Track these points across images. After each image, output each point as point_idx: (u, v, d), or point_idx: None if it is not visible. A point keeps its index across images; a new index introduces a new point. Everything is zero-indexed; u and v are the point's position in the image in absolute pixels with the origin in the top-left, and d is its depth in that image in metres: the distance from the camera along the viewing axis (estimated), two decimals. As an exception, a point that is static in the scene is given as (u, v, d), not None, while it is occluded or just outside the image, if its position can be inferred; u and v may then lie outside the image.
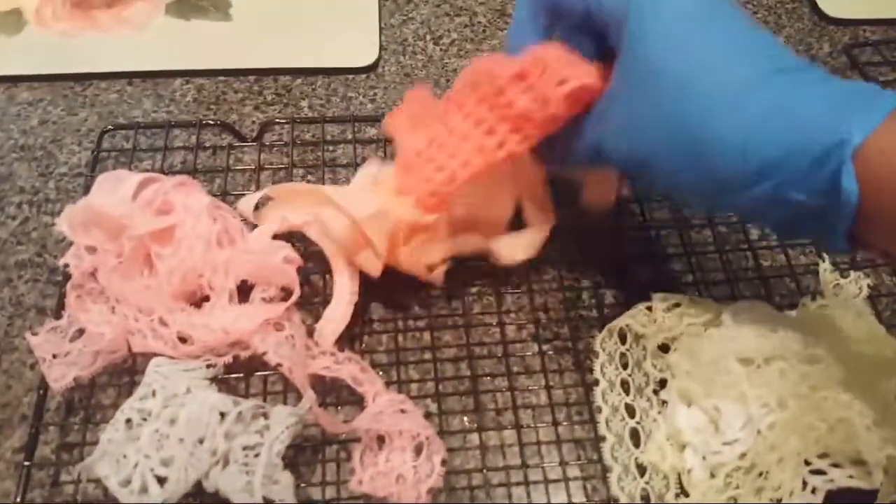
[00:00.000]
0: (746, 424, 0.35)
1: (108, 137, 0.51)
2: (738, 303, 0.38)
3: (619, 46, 0.34)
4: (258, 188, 0.47)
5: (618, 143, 0.34)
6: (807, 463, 0.35)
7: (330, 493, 0.38)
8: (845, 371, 0.35)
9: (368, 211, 0.39)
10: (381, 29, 0.59)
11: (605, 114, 0.35)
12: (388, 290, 0.43)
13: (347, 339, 0.42)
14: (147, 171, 0.49)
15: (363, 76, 0.56)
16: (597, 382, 0.40)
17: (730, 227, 0.47)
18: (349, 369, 0.39)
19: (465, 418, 0.40)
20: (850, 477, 0.34)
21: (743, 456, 0.34)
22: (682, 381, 0.37)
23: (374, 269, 0.41)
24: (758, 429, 0.35)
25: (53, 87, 0.56)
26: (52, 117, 0.54)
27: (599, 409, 0.39)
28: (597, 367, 0.40)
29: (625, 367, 0.40)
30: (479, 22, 0.60)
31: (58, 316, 0.41)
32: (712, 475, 0.34)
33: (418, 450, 0.37)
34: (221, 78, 0.56)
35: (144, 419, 0.37)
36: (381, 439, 0.38)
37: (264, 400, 0.40)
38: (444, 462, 0.37)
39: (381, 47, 0.58)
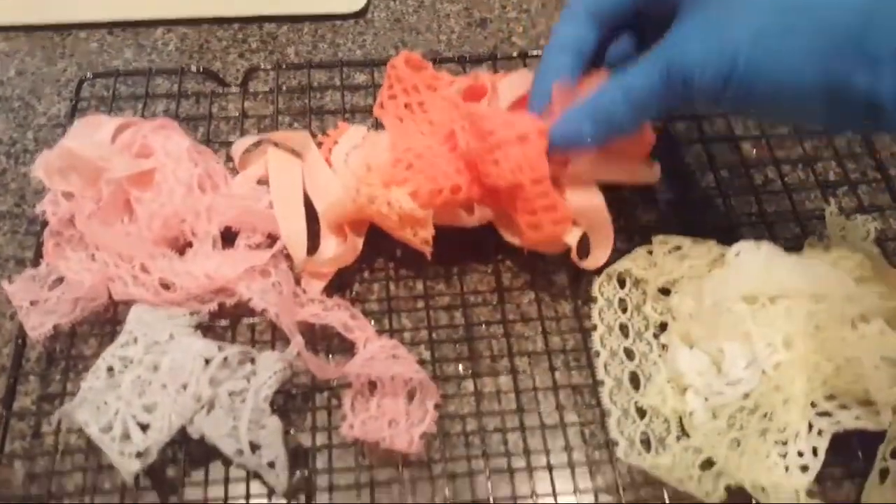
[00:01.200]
0: (751, 364, 0.34)
1: (88, 86, 0.49)
2: (742, 242, 0.37)
3: None
4: (242, 136, 0.45)
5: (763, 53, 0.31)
6: (813, 405, 0.33)
7: (320, 439, 0.36)
8: (853, 309, 0.34)
9: (328, 200, 0.39)
10: (370, -26, 0.57)
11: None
12: (378, 237, 0.41)
13: (337, 288, 0.40)
14: (128, 119, 0.48)
15: (352, 22, 0.54)
16: (595, 328, 0.38)
17: (732, 171, 0.46)
18: (339, 316, 0.38)
19: (460, 365, 0.39)
20: (858, 418, 0.33)
21: (747, 396, 0.33)
22: (684, 324, 0.36)
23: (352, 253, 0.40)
24: (762, 369, 0.33)
25: (31, 38, 0.54)
26: (30, 68, 0.52)
27: (597, 354, 0.37)
28: (595, 312, 0.39)
29: (624, 311, 0.38)
30: (472, -33, 0.58)
31: (36, 265, 0.40)
32: (715, 416, 0.33)
33: (411, 395, 0.36)
34: (205, 26, 0.54)
35: (126, 366, 0.35)
36: (372, 385, 0.36)
37: (252, 346, 0.39)
38: (437, 407, 0.36)
39: (371, -8, 0.56)
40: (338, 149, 0.42)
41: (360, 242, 0.40)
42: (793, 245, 0.42)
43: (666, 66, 0.33)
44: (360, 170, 0.40)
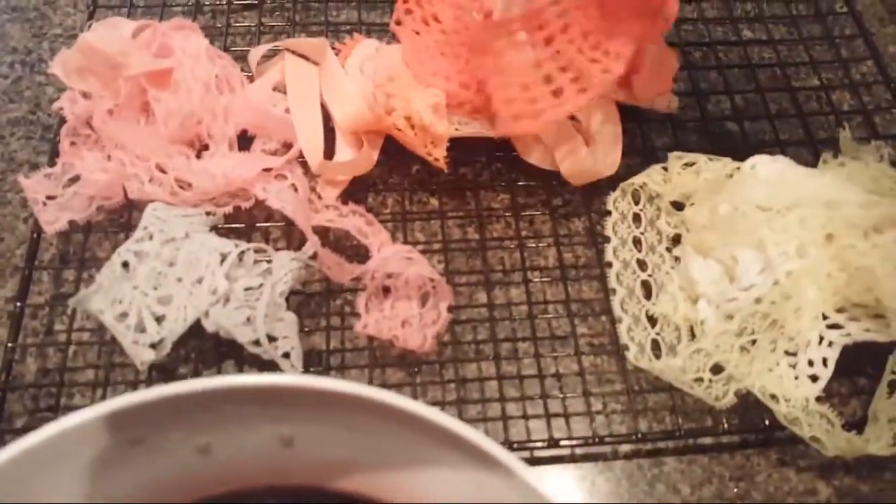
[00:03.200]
0: (764, 270, 0.34)
1: (105, -1, 0.49)
2: (757, 156, 0.37)
3: None
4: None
5: None
6: (824, 317, 0.34)
7: (334, 342, 0.37)
8: (866, 220, 0.34)
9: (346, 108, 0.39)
10: None
11: None
12: (394, 152, 0.41)
13: (351, 198, 0.40)
14: (144, 31, 0.47)
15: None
16: (608, 240, 0.38)
17: (748, 99, 0.46)
18: (354, 221, 0.38)
19: (473, 277, 0.39)
20: (868, 331, 0.34)
21: (759, 301, 0.33)
22: (698, 234, 0.36)
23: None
24: (775, 276, 0.34)
25: (47, -52, 0.53)
26: (46, -22, 0.51)
27: (610, 265, 0.38)
28: (609, 226, 0.39)
29: (637, 225, 0.39)
30: None
31: (52, 164, 0.40)
32: (726, 322, 0.33)
33: (424, 299, 0.36)
34: (222, -57, 0.53)
35: (141, 260, 0.36)
36: (386, 289, 0.36)
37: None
38: (450, 309, 0.36)
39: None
40: (351, 60, 0.42)
41: (375, 153, 0.40)
42: (805, 164, 0.42)
43: None
44: (381, 79, 0.39)
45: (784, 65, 0.47)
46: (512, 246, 0.40)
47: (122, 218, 0.40)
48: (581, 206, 0.41)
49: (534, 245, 0.40)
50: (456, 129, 0.39)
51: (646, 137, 0.43)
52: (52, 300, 0.38)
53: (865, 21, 0.50)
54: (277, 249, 0.39)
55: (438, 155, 0.38)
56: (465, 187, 0.42)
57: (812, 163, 0.42)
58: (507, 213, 0.41)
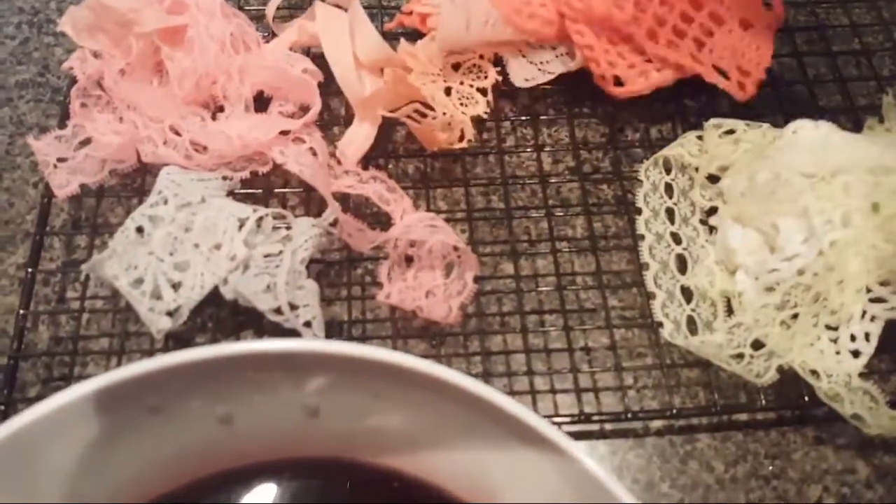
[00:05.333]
0: (808, 239, 0.32)
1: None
2: (798, 121, 0.35)
3: None
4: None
5: None
6: (868, 290, 0.32)
7: (356, 312, 0.35)
8: (916, 189, 0.32)
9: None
10: None
11: None
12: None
13: (372, 165, 0.39)
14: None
15: None
16: (640, 212, 0.37)
17: (784, 64, 0.44)
18: (375, 188, 0.37)
19: (498, 248, 0.38)
20: (913, 305, 0.32)
21: (801, 272, 0.32)
22: (736, 203, 0.35)
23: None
24: (819, 247, 0.32)
25: None
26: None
27: (642, 238, 0.36)
28: (640, 196, 0.37)
29: (670, 196, 0.37)
30: None
31: (62, 127, 0.38)
32: (766, 295, 0.32)
33: (449, 269, 0.35)
34: None
35: (156, 225, 0.34)
36: (409, 259, 0.35)
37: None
38: (475, 279, 0.34)
39: None
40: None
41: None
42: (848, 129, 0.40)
43: None
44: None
45: (823, 26, 0.45)
46: (539, 215, 0.39)
47: (135, 182, 0.39)
48: (611, 172, 0.40)
49: (562, 214, 0.39)
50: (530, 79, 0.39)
51: (679, 103, 0.42)
52: (65, 266, 0.37)
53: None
54: (296, 216, 0.38)
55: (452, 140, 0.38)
56: (490, 152, 0.41)
57: (853, 130, 0.40)
58: (534, 181, 0.40)
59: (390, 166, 0.40)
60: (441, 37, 0.38)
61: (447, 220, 0.38)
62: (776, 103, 0.42)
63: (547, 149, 0.41)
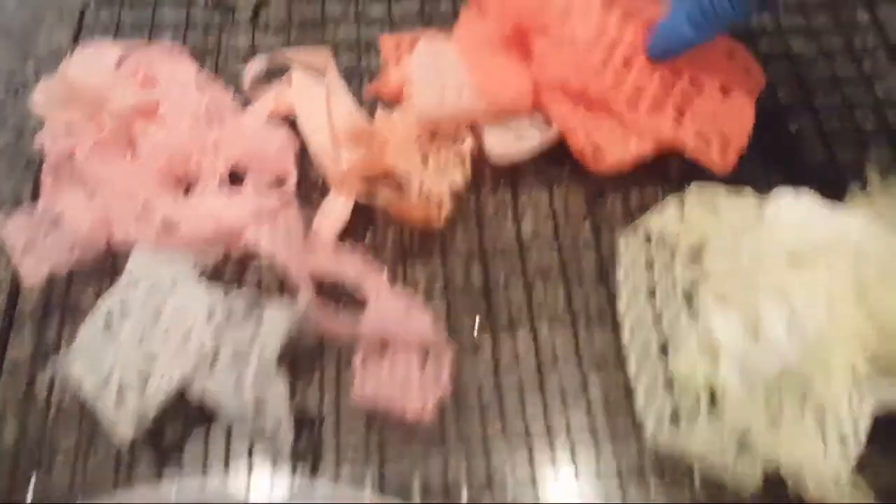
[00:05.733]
0: (791, 328, 0.31)
1: (91, 15, 0.47)
2: (781, 193, 0.34)
3: None
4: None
5: None
6: (855, 377, 0.31)
7: (328, 399, 0.34)
8: (901, 269, 0.31)
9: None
10: None
11: None
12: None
13: (349, 235, 0.38)
14: (132, 50, 0.45)
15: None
16: (620, 289, 0.36)
17: (767, 116, 0.43)
18: (350, 266, 0.36)
19: (476, 323, 0.37)
20: (903, 392, 0.31)
21: (785, 363, 0.31)
22: (718, 283, 0.34)
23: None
24: (803, 334, 0.31)
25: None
26: (32, -6, 0.49)
27: (623, 319, 0.35)
28: (620, 272, 0.36)
29: (651, 270, 0.36)
30: None
31: (34, 201, 0.38)
32: (749, 387, 0.31)
33: (424, 355, 0.34)
34: (215, -48, 0.51)
35: (126, 312, 0.34)
36: (384, 342, 0.34)
37: (259, 292, 0.37)
38: (452, 372, 0.34)
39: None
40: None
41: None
42: (831, 196, 0.39)
43: None
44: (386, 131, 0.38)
45: (804, 81, 0.44)
46: (518, 287, 0.38)
47: (106, 262, 0.38)
48: (591, 239, 0.39)
49: (541, 286, 0.38)
50: (506, 151, 0.38)
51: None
52: (34, 352, 0.36)
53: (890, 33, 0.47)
54: (271, 293, 0.37)
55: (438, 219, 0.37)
56: (469, 221, 0.40)
57: (837, 185, 0.40)
58: (513, 248, 0.39)
59: (368, 236, 0.39)
60: (416, 110, 0.37)
61: (425, 297, 0.37)
62: (758, 160, 0.41)
63: (527, 217, 0.40)
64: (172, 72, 0.37)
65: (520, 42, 0.38)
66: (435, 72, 0.38)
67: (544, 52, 0.37)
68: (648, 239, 0.37)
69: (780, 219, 0.33)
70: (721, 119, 0.38)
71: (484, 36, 0.39)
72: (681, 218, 0.36)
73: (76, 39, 0.45)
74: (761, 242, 0.33)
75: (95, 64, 0.37)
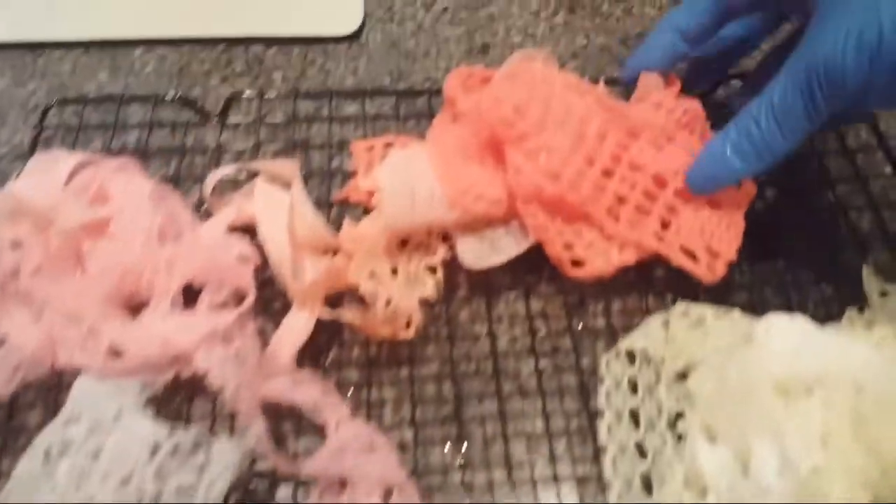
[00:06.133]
0: (783, 468, 0.29)
1: (56, 113, 0.45)
2: (772, 316, 0.32)
3: None
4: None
5: None
6: (854, 518, 0.28)
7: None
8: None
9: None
10: (366, -8, 0.52)
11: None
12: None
13: (311, 352, 0.36)
14: (96, 151, 0.43)
15: (344, 45, 0.49)
16: (601, 414, 0.33)
17: (756, 216, 0.41)
18: (308, 393, 0.33)
19: (448, 450, 0.34)
20: (908, 537, 0.28)
21: (778, 500, 0.28)
22: (705, 413, 0.31)
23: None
24: (797, 474, 0.28)
25: (1, 56, 0.49)
26: (-3, 90, 0.48)
27: (604, 449, 0.33)
28: (601, 396, 0.34)
29: (634, 393, 0.34)
30: (479, -16, 0.54)
31: (-23, 322, 0.36)
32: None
33: (387, 495, 0.31)
34: (186, 47, 0.49)
35: (64, 450, 0.31)
36: (343, 480, 0.32)
37: (212, 424, 0.35)
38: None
39: (366, 13, 0.51)
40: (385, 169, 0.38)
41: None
42: (825, 311, 0.37)
43: (804, 66, 0.31)
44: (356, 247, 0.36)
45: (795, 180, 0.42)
46: (493, 410, 0.35)
47: (50, 390, 0.35)
48: (571, 353, 0.37)
49: (518, 406, 0.35)
50: (481, 259, 0.37)
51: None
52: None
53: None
54: (223, 423, 0.35)
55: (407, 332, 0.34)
56: (440, 331, 0.37)
57: (831, 297, 0.37)
58: (487, 364, 0.36)
59: (332, 351, 0.37)
60: (386, 220, 0.35)
61: (392, 418, 0.35)
62: (746, 270, 0.39)
63: (502, 327, 0.38)
64: (125, 187, 0.35)
65: (495, 149, 0.36)
66: (405, 180, 0.36)
67: (518, 162, 0.35)
68: (632, 359, 0.34)
69: (771, 344, 0.30)
70: (708, 232, 0.36)
71: (457, 142, 0.37)
72: (665, 338, 0.33)
73: (37, 139, 0.43)
74: (751, 369, 0.30)
75: (46, 177, 0.35)
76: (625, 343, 0.34)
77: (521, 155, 0.35)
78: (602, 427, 0.33)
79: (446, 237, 0.38)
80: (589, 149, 0.35)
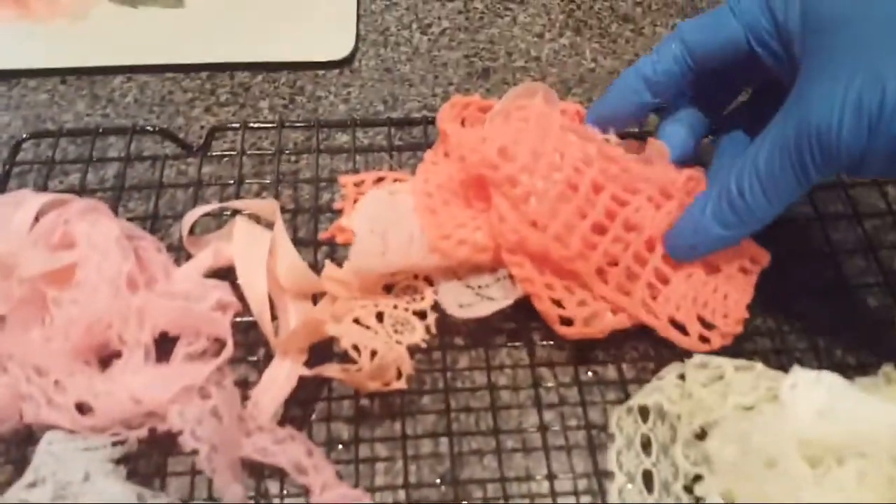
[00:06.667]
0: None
1: (31, 146, 0.43)
2: (798, 372, 0.29)
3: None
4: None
5: None
6: None
7: None
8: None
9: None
10: (358, 16, 0.50)
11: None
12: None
13: (297, 405, 0.33)
14: (71, 186, 0.41)
15: (336, 71, 0.47)
16: (612, 476, 0.31)
17: (790, 256, 0.38)
18: (291, 452, 0.31)
19: (445, 522, 0.31)
20: None
21: None
22: (725, 479, 0.28)
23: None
24: (827, 550, 0.26)
25: (-26, 86, 0.47)
26: (-31, 121, 0.46)
27: (616, 509, 0.30)
28: (612, 456, 0.31)
29: (647, 453, 0.31)
30: (476, 7, 0.51)
31: (-63, 374, 0.33)
32: None
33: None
34: (169, 75, 0.47)
35: (28, 516, 0.29)
36: (329, 549, 0.29)
37: (191, 481, 0.32)
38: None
39: (359, 37, 0.49)
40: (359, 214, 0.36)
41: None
42: (857, 364, 0.34)
43: (793, 131, 0.28)
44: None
45: (823, 217, 0.40)
46: (493, 468, 0.32)
47: (16, 448, 0.32)
48: (579, 406, 0.34)
49: (521, 465, 0.32)
50: (466, 306, 0.34)
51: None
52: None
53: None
54: (200, 484, 0.32)
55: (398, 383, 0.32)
56: (437, 381, 0.35)
57: (861, 345, 0.35)
58: (487, 418, 0.34)
59: (319, 404, 0.34)
60: (354, 265, 0.33)
61: (384, 479, 0.32)
62: (770, 322, 0.36)
63: (502, 379, 0.35)
64: (92, 231, 0.33)
65: (484, 190, 0.33)
66: (380, 221, 0.33)
67: (503, 208, 0.32)
68: (644, 415, 0.32)
69: (797, 404, 0.28)
70: (701, 302, 0.33)
71: (445, 180, 0.35)
72: (682, 394, 0.30)
73: (8, 175, 0.41)
74: (776, 432, 0.27)
75: (8, 222, 0.33)
76: (637, 398, 0.31)
77: (505, 201, 0.32)
78: (613, 490, 0.30)
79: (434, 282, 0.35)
80: (582, 200, 0.32)
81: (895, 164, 0.27)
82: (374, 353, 0.32)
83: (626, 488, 0.30)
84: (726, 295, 0.33)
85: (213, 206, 0.38)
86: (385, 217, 0.34)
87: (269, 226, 0.36)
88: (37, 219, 0.34)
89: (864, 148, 0.27)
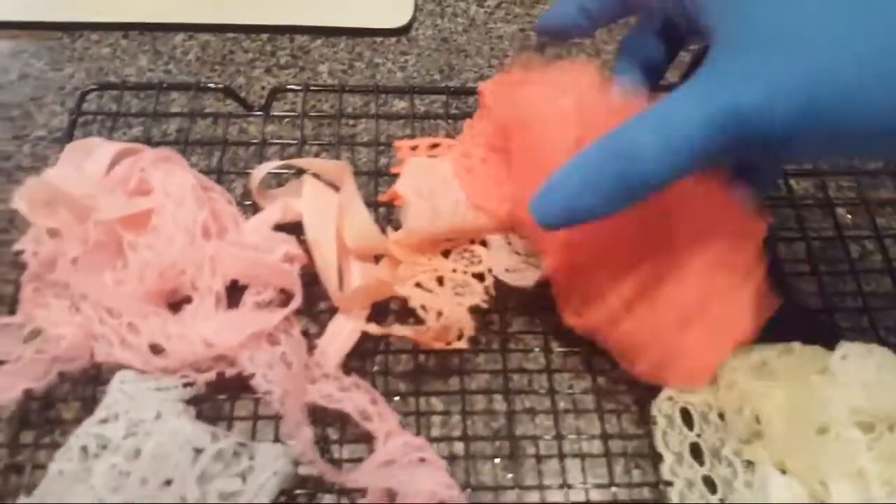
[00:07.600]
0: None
1: (95, 98, 0.44)
2: (847, 345, 0.30)
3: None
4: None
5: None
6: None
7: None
8: None
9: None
10: (417, -14, 0.51)
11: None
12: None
13: (357, 357, 0.34)
14: (135, 139, 0.42)
15: (393, 40, 0.48)
16: (660, 457, 0.32)
17: (825, 241, 0.39)
18: (356, 400, 0.32)
19: (498, 467, 0.33)
20: None
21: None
22: (776, 443, 0.29)
23: None
24: (879, 511, 0.27)
25: (38, 37, 0.48)
26: (34, 71, 0.47)
27: (669, 483, 0.31)
28: (657, 437, 0.32)
29: (690, 427, 0.32)
30: (532, -18, 0.52)
31: (12, 311, 0.34)
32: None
33: (439, 507, 0.30)
34: (230, 35, 0.48)
35: (102, 449, 0.30)
36: (392, 491, 0.30)
37: (254, 425, 0.33)
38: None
39: (417, 7, 0.49)
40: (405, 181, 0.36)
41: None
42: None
43: (717, 109, 0.24)
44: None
45: (867, 202, 0.40)
46: (547, 426, 0.34)
47: (87, 386, 0.34)
48: (628, 376, 0.35)
49: (573, 424, 0.34)
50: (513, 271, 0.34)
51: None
52: (5, 472, 0.32)
53: None
54: (268, 418, 0.33)
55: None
56: (492, 342, 0.36)
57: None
58: (541, 379, 0.35)
59: (379, 357, 0.35)
60: (406, 228, 0.34)
61: (441, 430, 0.33)
62: (814, 292, 0.37)
63: (559, 336, 0.36)
64: (168, 180, 0.34)
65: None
66: (426, 187, 0.34)
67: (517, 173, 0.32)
68: (687, 415, 0.32)
69: (848, 373, 0.29)
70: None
71: (482, 140, 0.35)
72: (727, 384, 0.31)
73: (74, 125, 0.42)
74: (827, 403, 0.28)
75: (83, 166, 0.34)
76: (680, 395, 0.32)
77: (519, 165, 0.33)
78: (665, 467, 0.31)
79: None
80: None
81: (833, 146, 0.25)
82: (439, 314, 0.33)
83: (676, 466, 0.31)
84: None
85: (281, 162, 0.38)
86: (429, 183, 0.34)
87: (336, 186, 0.37)
88: (110, 167, 0.36)
89: (800, 131, 0.23)
